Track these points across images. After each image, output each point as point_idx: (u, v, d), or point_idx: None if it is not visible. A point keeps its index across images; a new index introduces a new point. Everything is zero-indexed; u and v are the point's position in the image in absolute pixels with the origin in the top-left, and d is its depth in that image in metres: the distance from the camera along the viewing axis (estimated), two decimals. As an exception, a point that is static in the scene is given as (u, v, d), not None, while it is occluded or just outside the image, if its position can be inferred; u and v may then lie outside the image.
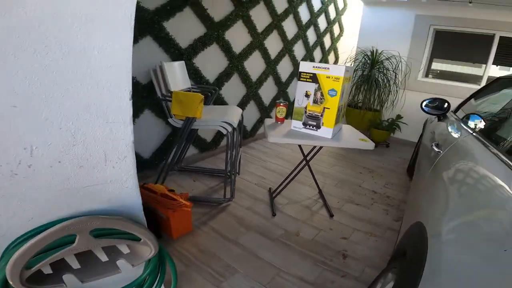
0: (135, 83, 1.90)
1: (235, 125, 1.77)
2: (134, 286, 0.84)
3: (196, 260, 1.45)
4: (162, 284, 0.92)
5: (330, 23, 4.02)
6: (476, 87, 3.63)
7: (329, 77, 1.49)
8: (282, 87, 3.49)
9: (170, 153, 1.95)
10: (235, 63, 2.68)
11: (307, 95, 1.57)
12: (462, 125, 1.41)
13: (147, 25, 1.87)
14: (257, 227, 1.76)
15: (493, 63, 3.54)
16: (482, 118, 1.28)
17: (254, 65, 2.95)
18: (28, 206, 0.66)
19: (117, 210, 0.85)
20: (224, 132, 1.75)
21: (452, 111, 1.96)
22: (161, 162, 2.20)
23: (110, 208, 0.83)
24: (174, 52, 2.08)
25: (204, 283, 1.33)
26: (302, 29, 3.48)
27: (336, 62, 4.58)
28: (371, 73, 3.70)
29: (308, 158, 1.96)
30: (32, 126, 0.61)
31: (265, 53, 3.02)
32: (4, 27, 0.53)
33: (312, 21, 3.64)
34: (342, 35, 4.46)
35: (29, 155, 0.62)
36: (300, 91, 1.59)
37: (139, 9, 1.80)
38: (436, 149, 1.34)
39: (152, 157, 2.20)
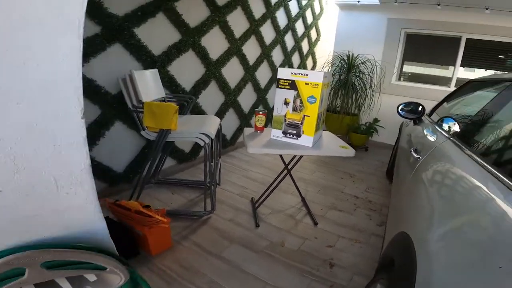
0: (104, 93, 1.78)
1: (213, 136, 1.69)
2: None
3: (178, 277, 1.38)
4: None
5: (307, 27, 4.05)
6: (446, 89, 3.78)
7: (308, 84, 1.46)
8: (262, 94, 3.46)
9: (144, 166, 1.84)
10: (212, 70, 2.60)
11: (286, 103, 1.53)
12: (439, 129, 1.42)
13: (116, 31, 1.76)
14: (240, 240, 1.70)
15: (461, 65, 3.71)
16: (457, 122, 1.30)
17: (232, 72, 2.89)
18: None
19: (78, 237, 0.77)
20: (202, 143, 1.67)
21: (426, 115, 1.99)
22: (136, 176, 2.07)
23: (69, 235, 0.75)
24: (147, 59, 1.97)
25: (186, 302, 1.24)
26: (280, 34, 3.48)
27: (314, 67, 4.63)
28: (348, 77, 3.76)
29: (289, 166, 1.92)
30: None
31: (243, 59, 2.97)
32: None
33: (290, 26, 3.65)
34: (319, 40, 4.51)
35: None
36: (279, 98, 1.55)
37: (107, 15, 1.70)
38: (415, 155, 1.33)
39: (126, 170, 2.08)
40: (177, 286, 1.33)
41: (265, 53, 3.30)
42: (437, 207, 0.82)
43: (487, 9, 3.02)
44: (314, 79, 1.44)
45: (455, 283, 0.55)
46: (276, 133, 1.60)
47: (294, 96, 1.50)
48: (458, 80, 3.74)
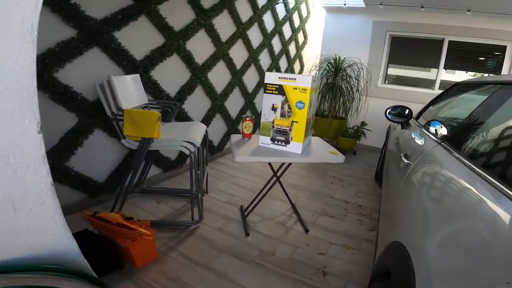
0: (81, 100, 1.68)
1: (198, 144, 1.62)
2: None
3: (166, 290, 1.30)
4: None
5: (294, 31, 4.05)
6: (431, 91, 3.85)
7: (296, 88, 1.42)
8: (249, 98, 3.40)
9: (126, 177, 1.74)
10: (198, 74, 2.53)
11: (274, 109, 1.48)
12: (428, 133, 1.41)
13: (94, 35, 1.67)
14: (230, 249, 1.64)
15: (444, 67, 3.79)
16: (447, 126, 1.28)
17: (219, 76, 2.82)
18: None
19: (45, 257, 0.70)
20: (187, 152, 1.59)
21: (414, 118, 1.99)
22: (119, 186, 1.98)
23: (34, 257, 0.68)
24: (128, 64, 1.89)
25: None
26: (267, 37, 3.45)
27: (301, 70, 4.62)
28: (335, 80, 3.77)
29: (278, 174, 1.87)
30: None
31: (230, 63, 2.92)
32: None
33: (277, 29, 3.63)
34: (306, 43, 4.52)
35: None
36: (266, 104, 1.50)
37: (84, 18, 1.61)
38: (406, 160, 1.30)
39: (108, 180, 1.98)
40: (164, 301, 1.25)
41: (253, 57, 3.26)
42: (433, 216, 0.79)
43: (468, 11, 3.09)
44: (303, 83, 1.40)
45: None
46: (264, 140, 1.54)
47: (282, 102, 1.46)
48: (442, 82, 3.82)
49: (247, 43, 3.11)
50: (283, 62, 3.99)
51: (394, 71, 4.17)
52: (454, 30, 3.51)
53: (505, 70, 3.45)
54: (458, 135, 1.14)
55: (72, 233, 1.42)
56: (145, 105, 1.89)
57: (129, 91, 1.69)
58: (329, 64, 3.88)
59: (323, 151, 1.61)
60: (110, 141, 1.91)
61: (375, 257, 1.28)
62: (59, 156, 1.65)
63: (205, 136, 1.95)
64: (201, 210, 1.89)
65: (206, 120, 2.79)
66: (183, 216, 1.96)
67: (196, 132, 1.73)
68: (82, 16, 1.60)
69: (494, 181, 0.65)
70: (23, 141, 0.53)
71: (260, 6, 3.19)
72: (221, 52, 2.75)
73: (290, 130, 1.46)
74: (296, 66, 4.43)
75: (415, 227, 0.83)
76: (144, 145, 1.52)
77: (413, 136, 1.61)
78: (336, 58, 3.83)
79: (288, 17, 3.81)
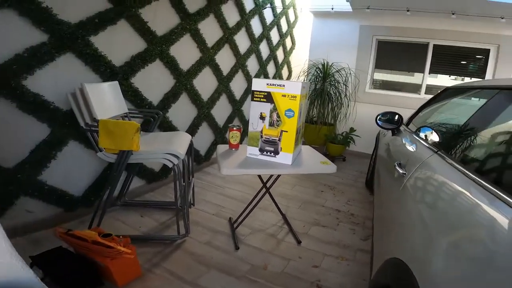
0: (53, 110, 1.55)
1: (182, 156, 1.51)
2: None
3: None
4: None
5: (282, 36, 4.02)
6: (417, 96, 3.89)
7: (285, 96, 1.35)
8: (237, 106, 3.32)
9: (104, 192, 1.62)
10: (183, 81, 2.43)
11: (262, 117, 1.41)
12: (421, 141, 1.36)
13: (67, 40, 1.55)
14: (219, 265, 1.56)
15: (429, 72, 3.83)
16: (441, 133, 1.24)
17: (205, 83, 2.73)
18: None
19: None
20: (170, 165, 1.48)
21: (404, 124, 1.96)
22: (97, 199, 1.84)
23: None
24: (106, 71, 1.77)
25: None
26: (255, 42, 3.39)
27: (289, 76, 4.59)
28: (323, 86, 3.74)
29: (268, 185, 1.79)
30: None
31: (216, 69, 2.83)
32: None
33: (265, 34, 3.58)
34: (294, 48, 4.50)
35: None
36: (254, 112, 1.42)
37: (56, 22, 1.49)
38: (401, 170, 1.24)
39: (86, 194, 1.85)
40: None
41: (240, 63, 3.19)
42: (438, 232, 0.74)
43: (453, 14, 3.14)
44: (292, 90, 1.33)
45: None
46: (252, 151, 1.46)
47: (271, 110, 1.38)
48: (428, 86, 3.86)
49: (234, 48, 3.04)
50: (271, 68, 3.94)
51: (379, 75, 4.20)
52: (439, 34, 3.56)
53: (488, 73, 3.52)
54: (456, 143, 1.08)
55: (44, 250, 1.32)
56: (125, 115, 1.77)
57: (106, 99, 1.57)
58: (317, 70, 3.86)
59: (314, 161, 1.54)
60: (86, 153, 1.78)
61: (372, 271, 1.22)
62: (30, 169, 1.53)
63: (191, 146, 1.85)
64: (187, 224, 1.78)
65: (192, 129, 2.68)
66: (168, 230, 1.86)
67: (180, 143, 1.62)
68: (55, 20, 1.49)
69: (500, 193, 0.61)
70: None
71: (247, 11, 3.13)
72: (207, 57, 2.66)
73: (279, 140, 1.38)
74: (284, 72, 4.40)
75: (417, 244, 0.78)
76: (122, 159, 1.41)
77: (405, 143, 1.57)
78: (324, 63, 3.81)
79: (276, 22, 3.77)
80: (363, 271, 1.59)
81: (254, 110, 1.41)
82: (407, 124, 1.96)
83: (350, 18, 3.91)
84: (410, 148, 1.44)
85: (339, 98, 3.76)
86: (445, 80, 3.91)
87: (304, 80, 4.00)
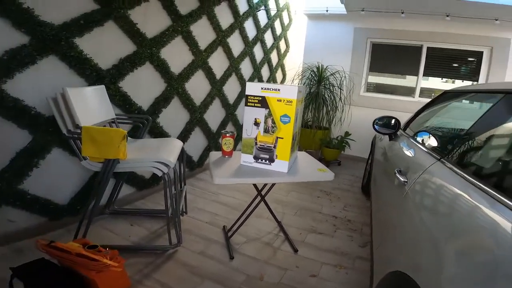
0: (35, 115, 1.46)
1: (172, 164, 1.44)
2: None
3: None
4: None
5: (276, 38, 3.98)
6: (412, 99, 3.88)
7: (281, 101, 1.29)
8: (230, 110, 3.25)
9: (90, 202, 1.53)
10: (174, 85, 2.35)
11: (256, 123, 1.34)
12: (422, 147, 1.31)
13: (50, 42, 1.47)
14: (213, 275, 1.50)
15: (423, 74, 3.82)
16: (444, 140, 1.19)
17: (198, 87, 2.66)
18: None
19: None
20: (159, 174, 1.40)
21: (401, 129, 1.92)
22: (85, 208, 1.76)
23: None
24: (92, 74, 1.68)
25: None
26: (249, 45, 3.33)
27: (283, 79, 4.55)
28: (318, 90, 3.70)
29: (263, 192, 1.72)
30: None
31: (209, 73, 2.76)
32: None
33: (259, 37, 3.53)
34: (288, 51, 4.46)
35: None
36: (248, 118, 1.35)
37: (38, 24, 1.41)
38: (402, 178, 1.19)
39: (71, 202, 1.76)
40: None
41: (234, 66, 3.13)
42: (447, 245, 0.69)
43: (447, 16, 3.13)
44: (288, 95, 1.27)
45: None
46: (246, 159, 1.39)
47: (265, 115, 1.32)
48: (422, 89, 3.85)
49: (228, 51, 2.98)
50: (265, 71, 3.89)
51: (373, 78, 4.18)
52: (432, 36, 3.57)
53: (482, 76, 3.53)
54: (461, 151, 1.03)
55: (28, 260, 1.24)
56: (112, 120, 1.69)
57: (91, 104, 1.48)
58: (312, 73, 3.82)
59: (311, 168, 1.48)
60: (71, 161, 1.68)
61: (372, 283, 1.17)
62: (11, 178, 1.44)
63: (182, 153, 1.78)
64: (179, 233, 1.71)
65: (185, 134, 2.60)
66: (159, 239, 1.78)
67: (170, 150, 1.55)
68: (36, 22, 1.41)
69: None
70: None
71: (241, 13, 3.08)
72: (200, 60, 2.59)
73: (274, 147, 1.32)
74: (278, 75, 4.36)
75: (425, 257, 0.73)
76: (108, 168, 1.32)
77: (404, 149, 1.52)
78: (319, 66, 3.77)
79: (270, 25, 3.73)
80: (362, 279, 1.55)
81: (248, 115, 1.34)
82: (404, 129, 1.93)
83: (345, 21, 3.89)
84: (410, 154, 1.39)
85: (334, 101, 3.72)
86: (436, 83, 3.91)
87: (298, 84, 3.96)
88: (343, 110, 3.77)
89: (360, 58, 3.97)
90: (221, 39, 2.82)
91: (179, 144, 1.72)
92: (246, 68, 3.40)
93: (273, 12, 3.74)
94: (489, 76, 3.43)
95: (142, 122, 1.84)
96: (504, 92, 0.95)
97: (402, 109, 3.68)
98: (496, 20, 2.92)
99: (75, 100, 1.29)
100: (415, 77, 3.88)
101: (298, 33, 4.39)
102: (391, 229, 1.15)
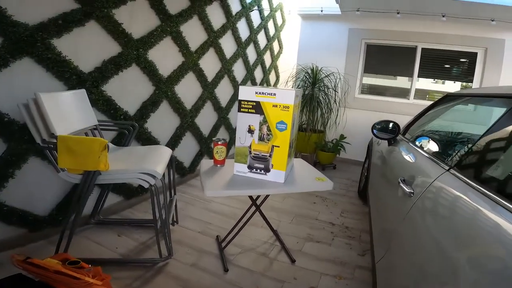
0: (9, 122, 1.34)
1: (160, 175, 1.33)
2: None
3: None
4: None
5: (270, 39, 3.90)
6: (407, 101, 3.84)
7: (277, 106, 1.20)
8: (223, 113, 3.15)
9: (70, 215, 1.41)
10: (163, 88, 2.24)
11: (250, 131, 1.25)
12: (427, 155, 1.24)
13: (24, 43, 1.35)
14: None
15: (418, 76, 3.79)
16: (452, 148, 1.11)
17: (188, 90, 2.55)
18: None
19: None
20: (146, 185, 1.29)
21: (401, 134, 1.86)
22: (67, 219, 1.64)
23: None
24: (71, 78, 1.56)
25: None
26: (241, 46, 3.24)
27: (277, 81, 4.47)
28: (313, 92, 3.63)
29: (258, 202, 1.63)
30: None
31: (200, 75, 2.65)
32: None
33: (252, 38, 3.44)
34: (281, 53, 4.39)
35: None
36: (241, 125, 1.26)
37: (11, 24, 1.29)
38: (407, 189, 1.11)
39: (52, 213, 1.64)
40: None
41: (226, 68, 3.03)
42: (466, 269, 0.61)
43: (443, 16, 3.09)
44: (284, 100, 1.19)
45: None
46: (240, 168, 1.29)
47: (260, 122, 1.22)
48: (417, 90, 3.82)
49: (220, 52, 2.88)
50: (258, 73, 3.80)
51: (367, 80, 4.14)
52: (427, 37, 3.54)
53: (476, 77, 3.51)
54: (474, 160, 0.95)
55: (5, 272, 1.12)
56: (94, 127, 1.56)
57: (69, 110, 1.36)
58: (306, 74, 3.75)
59: (309, 178, 1.39)
60: (51, 170, 1.56)
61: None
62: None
63: (171, 161, 1.67)
64: (170, 244, 1.61)
65: (175, 140, 2.48)
66: (149, 251, 1.68)
67: (157, 159, 1.43)
68: (9, 22, 1.29)
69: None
70: None
71: (234, 13, 2.98)
72: (191, 62, 2.48)
73: (270, 156, 1.23)
74: (272, 77, 4.27)
75: (439, 280, 0.67)
76: (88, 180, 1.21)
77: (406, 156, 1.45)
78: (313, 67, 3.70)
79: (263, 25, 3.65)
80: (363, 289, 1.48)
81: (241, 122, 1.25)
82: (404, 133, 1.86)
83: (339, 21, 3.83)
84: (413, 161, 1.32)
85: (329, 104, 3.66)
86: (428, 84, 3.88)
87: (292, 86, 3.89)
88: (337, 112, 3.71)
89: (354, 60, 3.92)
90: (213, 40, 2.72)
91: (167, 152, 1.61)
92: (239, 70, 3.31)
93: (266, 13, 3.66)
94: (484, 77, 3.42)
95: (128, 129, 1.72)
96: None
97: (397, 111, 3.65)
98: (492, 20, 2.89)
99: (49, 106, 1.17)
100: (407, 78, 3.85)
101: (292, 34, 4.32)
102: (396, 243, 1.08)
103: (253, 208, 1.67)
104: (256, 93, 1.21)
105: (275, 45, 4.15)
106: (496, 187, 0.75)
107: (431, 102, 1.83)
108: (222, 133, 3.23)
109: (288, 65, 4.16)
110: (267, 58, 3.97)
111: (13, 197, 1.45)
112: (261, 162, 1.25)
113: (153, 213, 1.43)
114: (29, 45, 1.36)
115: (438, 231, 0.80)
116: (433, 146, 1.37)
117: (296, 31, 4.21)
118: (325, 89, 3.68)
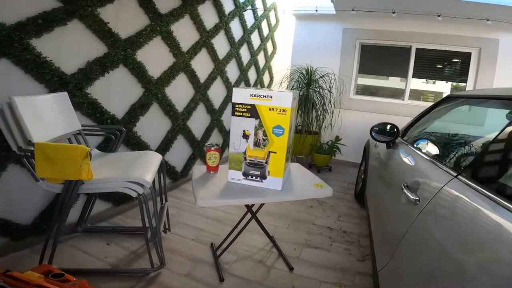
0: (-17, 130, 1.23)
1: (149, 184, 1.24)
2: None
3: None
4: None
5: (263, 40, 3.83)
6: (402, 102, 3.82)
7: (273, 109, 1.13)
8: (216, 115, 3.07)
9: (53, 225, 1.32)
10: (153, 90, 2.14)
11: (245, 136, 1.17)
12: (431, 159, 1.18)
13: (0, 43, 1.25)
14: None
15: (412, 76, 3.78)
16: (458, 152, 1.06)
17: (180, 92, 2.46)
18: None
19: None
20: (133, 195, 1.21)
21: (399, 136, 1.81)
22: (50, 227, 1.55)
23: None
24: (52, 80, 1.46)
25: None
26: (235, 47, 3.17)
27: (271, 82, 4.41)
28: (308, 93, 3.57)
29: (254, 209, 1.56)
30: None
31: (192, 76, 2.57)
32: None
33: (246, 38, 3.37)
34: (275, 53, 4.34)
35: None
36: (235, 130, 1.18)
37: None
38: (411, 196, 1.05)
39: (36, 222, 1.55)
40: None
41: (219, 69, 2.95)
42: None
43: (439, 16, 3.07)
44: (281, 103, 1.12)
45: None
46: (234, 175, 1.22)
47: (256, 127, 1.15)
48: (412, 91, 3.80)
49: (212, 53, 2.80)
50: (252, 74, 3.73)
51: (362, 80, 4.12)
52: (421, 37, 3.52)
53: (470, 78, 3.51)
54: (486, 167, 0.90)
55: None
56: (78, 132, 1.47)
57: (48, 115, 1.26)
58: (300, 75, 3.69)
59: (307, 184, 1.32)
60: (32, 178, 1.46)
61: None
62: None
63: (162, 167, 1.58)
64: (161, 254, 1.53)
65: (166, 144, 2.39)
66: (140, 260, 1.60)
67: (146, 166, 1.35)
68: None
69: None
70: None
71: (227, 12, 2.91)
72: (182, 63, 2.40)
73: (266, 162, 1.15)
74: (266, 78, 4.21)
75: None
76: (69, 190, 1.12)
77: (407, 160, 1.40)
78: (308, 68, 3.65)
79: (257, 25, 3.58)
80: (365, 300, 1.43)
81: (235, 127, 1.17)
82: (403, 136, 1.82)
83: (333, 21, 3.79)
84: (416, 166, 1.27)
85: (324, 105, 3.61)
86: (420, 84, 3.87)
87: (287, 87, 3.83)
88: (333, 113, 3.66)
89: (349, 60, 3.88)
90: (205, 40, 2.64)
91: (157, 157, 1.53)
92: (232, 71, 3.23)
93: (260, 12, 3.60)
94: (478, 77, 3.41)
95: (115, 133, 1.63)
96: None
97: (393, 112, 3.63)
98: (488, 20, 2.88)
99: (25, 111, 1.07)
100: (400, 79, 3.83)
101: (286, 34, 4.27)
102: (401, 251, 1.02)
103: (249, 215, 1.60)
104: (251, 95, 1.14)
105: (269, 45, 4.09)
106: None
107: (425, 103, 1.78)
108: (216, 136, 3.15)
109: (282, 65, 4.10)
110: (260, 59, 3.91)
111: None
112: (257, 169, 1.17)
113: (143, 222, 1.34)
114: (5, 45, 1.26)
115: (449, 243, 0.74)
116: (437, 150, 1.32)
117: (290, 31, 4.16)
118: (320, 90, 3.63)
